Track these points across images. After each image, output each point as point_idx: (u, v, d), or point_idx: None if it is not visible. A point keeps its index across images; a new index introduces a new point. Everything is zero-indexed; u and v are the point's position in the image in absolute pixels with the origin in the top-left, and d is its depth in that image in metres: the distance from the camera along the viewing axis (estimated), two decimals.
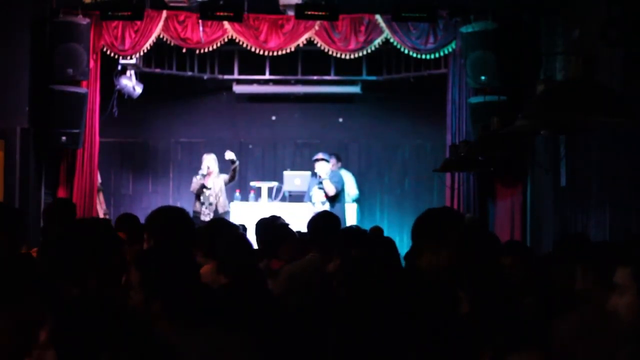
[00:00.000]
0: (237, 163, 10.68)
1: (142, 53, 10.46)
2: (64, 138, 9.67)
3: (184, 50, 10.91)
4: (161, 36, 10.22)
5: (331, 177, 10.48)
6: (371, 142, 12.51)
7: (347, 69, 11.57)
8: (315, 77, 12.04)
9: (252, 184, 11.58)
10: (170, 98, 12.28)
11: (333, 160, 11.66)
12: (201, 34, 10.20)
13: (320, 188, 10.45)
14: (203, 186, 10.47)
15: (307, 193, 10.84)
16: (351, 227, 4.90)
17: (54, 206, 6.20)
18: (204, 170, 10.51)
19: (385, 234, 7.23)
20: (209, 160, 10.60)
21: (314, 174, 10.71)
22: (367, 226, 7.99)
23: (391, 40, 10.28)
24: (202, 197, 10.49)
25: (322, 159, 10.57)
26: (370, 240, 5.10)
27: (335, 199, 10.46)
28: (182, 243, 3.55)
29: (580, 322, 2.97)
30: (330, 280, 3.92)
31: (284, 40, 10.32)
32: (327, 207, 10.31)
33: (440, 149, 11.09)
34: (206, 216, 10.27)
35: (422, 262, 3.70)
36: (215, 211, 10.42)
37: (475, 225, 8.65)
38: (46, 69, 9.51)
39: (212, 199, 10.49)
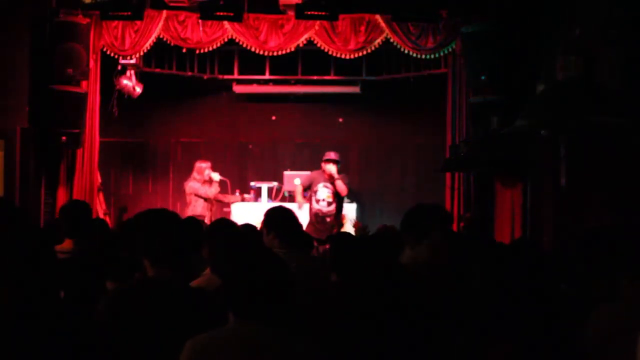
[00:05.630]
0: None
1: (142, 53, 10.45)
2: (64, 138, 9.67)
3: (184, 50, 10.90)
4: (161, 36, 10.21)
5: (343, 178, 10.52)
6: (371, 142, 12.50)
7: (347, 69, 11.57)
8: (315, 77, 12.04)
9: (252, 184, 11.58)
10: (170, 98, 12.28)
11: None
12: (201, 34, 10.20)
13: (325, 187, 10.42)
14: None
15: (303, 190, 10.83)
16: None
17: (70, 206, 6.08)
18: (214, 180, 10.70)
19: None
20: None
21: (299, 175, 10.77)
22: None
23: (391, 40, 10.27)
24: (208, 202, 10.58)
25: (335, 161, 10.58)
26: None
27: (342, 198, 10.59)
28: None
29: (616, 313, 2.95)
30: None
31: (284, 40, 10.32)
32: (333, 207, 10.24)
33: (440, 149, 11.09)
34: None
35: (403, 256, 3.68)
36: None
37: (474, 224, 8.65)
38: (46, 69, 9.50)
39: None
